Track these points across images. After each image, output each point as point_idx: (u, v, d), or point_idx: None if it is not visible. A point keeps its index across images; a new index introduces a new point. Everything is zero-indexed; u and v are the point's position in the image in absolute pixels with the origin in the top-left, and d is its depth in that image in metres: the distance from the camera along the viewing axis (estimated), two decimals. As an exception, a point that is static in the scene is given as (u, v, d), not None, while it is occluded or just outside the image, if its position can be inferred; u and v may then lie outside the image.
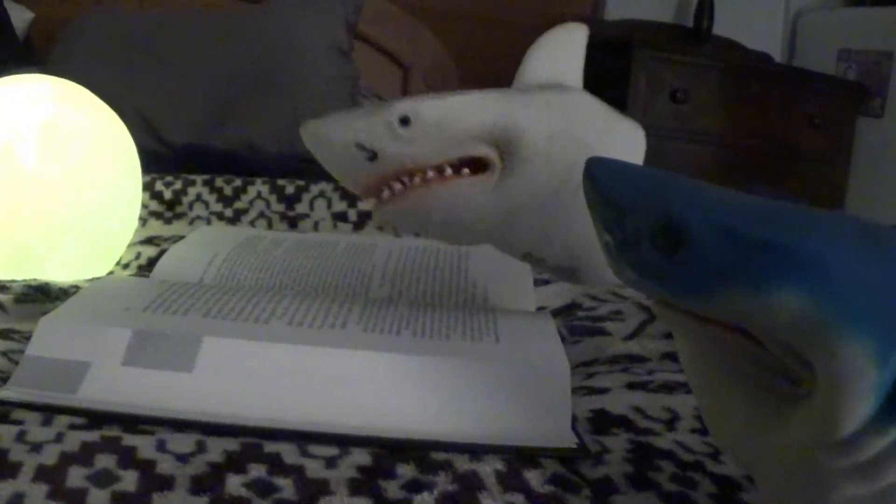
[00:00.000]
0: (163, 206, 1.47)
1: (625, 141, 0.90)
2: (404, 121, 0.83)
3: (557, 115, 0.86)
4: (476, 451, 0.65)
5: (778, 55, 3.58)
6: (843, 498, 0.44)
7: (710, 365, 0.51)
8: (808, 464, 0.45)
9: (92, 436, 0.63)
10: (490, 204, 0.85)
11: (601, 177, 0.50)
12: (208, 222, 1.44)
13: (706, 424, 0.53)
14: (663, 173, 0.50)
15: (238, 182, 1.54)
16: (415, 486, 0.60)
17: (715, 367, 0.51)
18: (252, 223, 1.45)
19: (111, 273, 1.12)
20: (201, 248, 1.11)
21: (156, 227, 1.39)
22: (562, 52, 0.98)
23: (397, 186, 0.85)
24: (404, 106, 0.84)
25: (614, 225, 0.49)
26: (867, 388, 0.41)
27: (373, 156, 0.84)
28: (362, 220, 1.46)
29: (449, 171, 0.85)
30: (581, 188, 0.82)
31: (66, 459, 0.59)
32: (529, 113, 0.86)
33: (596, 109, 0.89)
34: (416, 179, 0.85)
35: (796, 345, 0.43)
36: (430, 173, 0.85)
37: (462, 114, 0.84)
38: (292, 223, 1.46)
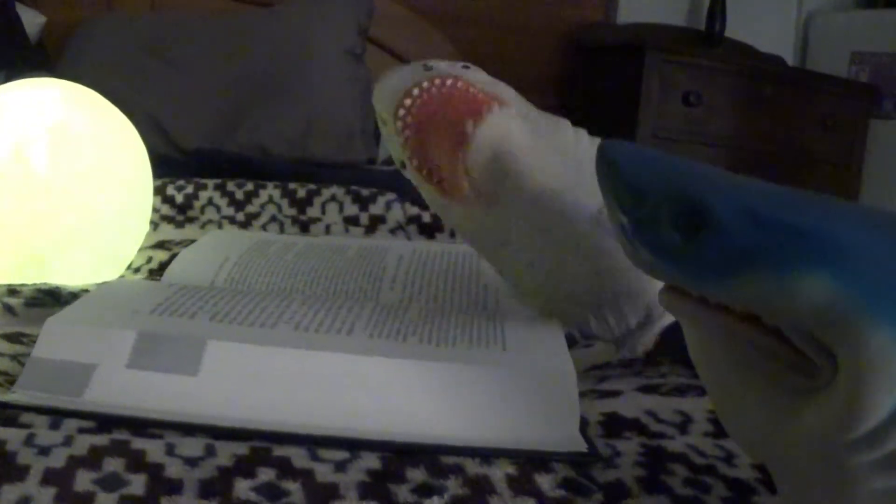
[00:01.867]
0: (174, 211, 1.48)
1: None
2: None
3: (543, 133, 0.90)
4: (486, 455, 0.65)
5: (790, 58, 3.57)
6: (867, 491, 0.43)
7: (721, 357, 0.50)
8: (829, 458, 0.44)
9: (100, 439, 0.63)
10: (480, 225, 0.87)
11: (618, 158, 0.50)
12: (220, 226, 1.44)
13: (719, 418, 0.53)
14: (680, 157, 0.49)
15: (250, 186, 1.54)
16: (425, 490, 0.59)
17: (727, 359, 0.50)
18: (263, 227, 1.45)
19: (122, 277, 1.12)
20: (212, 252, 1.11)
21: (167, 232, 1.39)
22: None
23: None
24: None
25: (631, 206, 0.48)
26: (893, 377, 0.40)
27: (429, 67, 0.91)
28: (374, 224, 1.46)
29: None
30: (580, 224, 0.83)
31: (74, 463, 0.59)
32: (518, 132, 0.89)
33: (580, 135, 0.92)
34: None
35: (819, 333, 0.42)
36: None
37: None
38: (304, 227, 1.46)
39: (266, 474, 0.60)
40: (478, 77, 0.89)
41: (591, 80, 2.98)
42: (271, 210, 1.49)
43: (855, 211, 0.44)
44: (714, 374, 0.51)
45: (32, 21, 2.28)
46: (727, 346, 0.49)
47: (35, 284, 0.98)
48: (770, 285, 0.42)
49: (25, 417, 0.65)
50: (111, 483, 0.58)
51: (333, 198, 1.51)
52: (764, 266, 0.42)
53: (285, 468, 0.61)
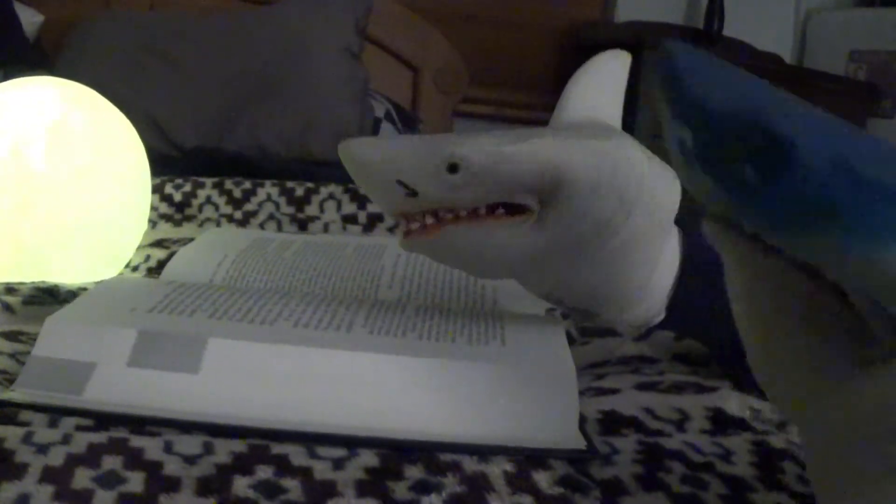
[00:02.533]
0: (172, 209, 1.48)
1: (661, 192, 0.88)
2: (452, 168, 0.80)
3: (606, 167, 0.84)
4: (484, 452, 0.65)
5: (788, 56, 3.57)
6: None
7: (768, 305, 0.46)
8: (874, 435, 0.40)
9: (99, 437, 0.63)
10: (520, 247, 0.83)
11: (688, 66, 0.44)
12: (218, 225, 1.44)
13: (752, 368, 0.49)
14: (757, 78, 0.45)
15: (247, 184, 1.54)
16: (423, 488, 0.60)
17: (775, 308, 0.45)
18: (261, 225, 1.45)
19: (120, 275, 1.12)
20: (210, 250, 1.11)
21: (165, 230, 1.39)
22: (605, 82, 0.96)
23: (429, 220, 0.83)
24: (455, 151, 0.81)
25: (698, 126, 0.43)
26: None
27: (413, 193, 0.81)
28: (372, 223, 1.46)
29: (483, 210, 0.83)
30: (612, 240, 0.81)
31: (73, 461, 0.59)
32: (581, 163, 0.83)
33: (637, 159, 0.86)
34: (449, 215, 0.83)
35: (892, 306, 0.39)
36: (464, 212, 0.83)
37: (514, 164, 0.81)
38: (302, 225, 1.46)
39: (264, 472, 0.60)
40: (472, 186, 0.82)
41: (589, 79, 2.97)
42: (269, 208, 1.49)
43: None
44: (756, 321, 0.47)
45: (30, 20, 2.28)
46: (778, 294, 0.45)
47: (33, 283, 0.98)
48: (852, 248, 0.38)
49: (24, 415, 0.66)
50: (109, 481, 0.58)
51: (331, 196, 1.51)
52: (850, 226, 0.38)
53: (283, 466, 0.61)
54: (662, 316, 0.93)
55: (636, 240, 0.85)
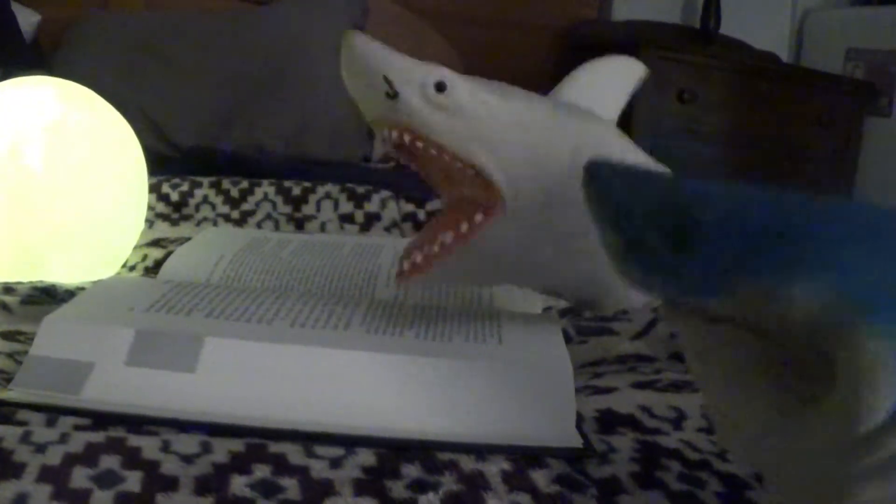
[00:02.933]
0: (169, 209, 1.48)
1: None
2: (439, 86, 0.80)
3: (586, 149, 0.80)
4: (481, 451, 0.65)
5: (785, 55, 3.57)
6: (863, 501, 0.42)
7: (721, 367, 0.49)
8: (828, 465, 0.43)
9: (96, 437, 0.63)
10: (505, 248, 0.83)
11: (604, 177, 0.49)
12: (215, 224, 1.44)
13: (716, 428, 0.52)
14: (666, 172, 0.49)
15: (245, 184, 1.54)
16: (420, 486, 0.60)
17: (727, 368, 0.49)
18: (259, 225, 1.45)
19: (117, 275, 1.12)
20: (207, 249, 1.11)
21: (162, 229, 1.39)
22: (611, 83, 0.96)
23: (417, 258, 0.81)
24: (445, 74, 0.81)
25: (620, 224, 0.48)
26: (889, 383, 0.39)
27: (394, 95, 0.80)
28: (369, 222, 1.46)
29: (465, 226, 0.81)
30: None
31: (71, 460, 0.59)
32: (558, 137, 0.82)
33: (616, 148, 0.86)
34: (436, 248, 0.81)
35: (815, 340, 0.42)
36: (449, 238, 0.81)
37: (495, 112, 0.81)
38: (299, 225, 1.46)
39: (262, 471, 0.60)
40: (447, 116, 0.81)
41: (585, 78, 2.97)
42: (266, 208, 1.49)
43: (845, 212, 0.43)
44: (713, 381, 0.51)
45: (27, 19, 2.28)
46: (727, 354, 0.49)
47: (31, 282, 0.98)
48: (762, 294, 0.42)
49: (22, 415, 0.66)
50: (107, 480, 0.58)
51: (328, 195, 1.51)
52: (754, 275, 0.42)
53: (281, 464, 0.61)
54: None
55: None
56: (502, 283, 0.92)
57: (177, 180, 1.53)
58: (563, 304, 1.02)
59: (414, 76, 0.80)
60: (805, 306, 0.41)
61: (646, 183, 0.48)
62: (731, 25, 3.28)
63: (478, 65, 2.67)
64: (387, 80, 0.80)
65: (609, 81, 0.96)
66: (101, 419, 0.66)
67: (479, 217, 0.81)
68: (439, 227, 0.82)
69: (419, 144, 0.81)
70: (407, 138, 0.81)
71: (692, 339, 0.51)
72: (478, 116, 0.81)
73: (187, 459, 0.61)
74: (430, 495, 0.59)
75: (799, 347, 0.43)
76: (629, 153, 0.86)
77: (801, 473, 0.46)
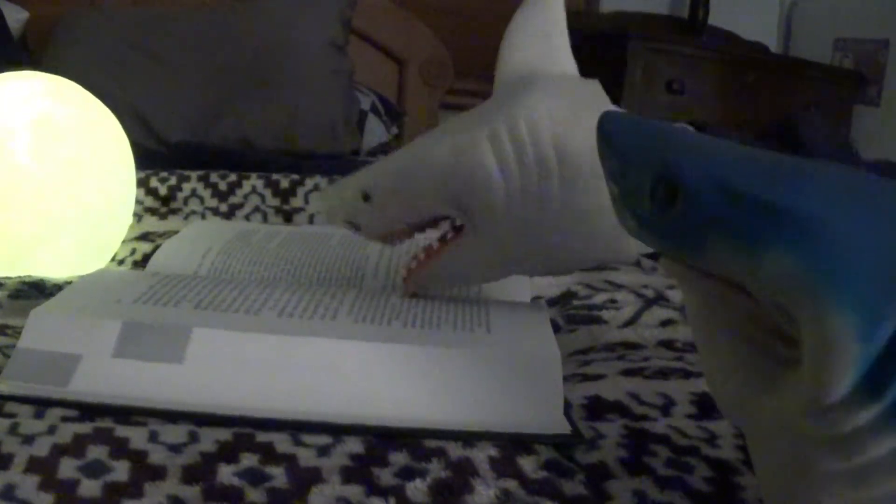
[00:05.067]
0: (158, 202, 1.47)
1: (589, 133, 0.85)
2: (366, 197, 0.85)
3: (506, 146, 0.81)
4: (469, 438, 0.65)
5: (774, 45, 3.58)
6: (822, 472, 0.43)
7: (713, 322, 0.51)
8: (795, 432, 0.44)
9: (84, 428, 0.63)
10: (480, 254, 0.84)
11: (610, 129, 0.51)
12: (203, 217, 1.44)
13: (706, 381, 0.53)
14: (669, 126, 0.50)
15: (233, 177, 1.54)
16: (408, 474, 0.60)
17: (718, 324, 0.50)
18: (247, 218, 1.45)
19: (105, 268, 1.12)
20: (195, 242, 1.11)
21: (151, 223, 1.38)
22: (537, 32, 0.94)
23: (413, 264, 0.87)
24: (362, 183, 0.85)
25: (618, 176, 0.50)
26: (851, 358, 0.39)
27: (357, 228, 0.87)
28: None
29: (436, 244, 0.86)
30: (553, 204, 0.81)
31: (58, 451, 0.59)
32: (475, 155, 0.82)
33: (548, 117, 0.82)
34: (414, 263, 0.87)
35: (786, 306, 0.42)
36: (421, 256, 0.87)
37: (411, 181, 0.84)
38: (287, 217, 1.46)
39: (249, 459, 0.60)
40: (388, 209, 0.86)
41: (574, 69, 2.97)
42: (255, 200, 1.49)
43: (831, 179, 0.44)
44: (705, 335, 0.52)
45: (15, 17, 2.28)
46: (720, 310, 0.50)
47: (19, 277, 0.98)
48: (738, 256, 0.43)
49: (10, 407, 0.66)
50: (95, 470, 0.58)
51: (317, 187, 1.51)
52: (731, 237, 0.43)
53: (269, 453, 0.61)
54: None
55: (584, 193, 0.81)
56: (507, 276, 0.92)
57: (165, 174, 1.53)
58: (553, 293, 1.02)
59: (348, 205, 0.87)
60: (776, 273, 0.41)
61: (645, 136, 0.49)
62: (720, 16, 3.29)
63: (466, 57, 2.68)
64: (347, 223, 0.88)
65: (542, 30, 0.95)
66: (88, 410, 0.66)
67: (450, 234, 0.86)
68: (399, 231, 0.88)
69: (412, 266, 0.87)
70: (413, 265, 0.87)
71: (686, 293, 0.53)
72: (404, 191, 0.85)
73: (175, 449, 0.61)
74: (418, 482, 0.59)
75: (775, 310, 0.44)
76: (566, 110, 0.84)
77: (773, 438, 0.46)
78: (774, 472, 0.47)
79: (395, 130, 2.50)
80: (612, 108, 0.85)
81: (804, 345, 0.42)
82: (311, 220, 1.45)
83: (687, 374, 0.78)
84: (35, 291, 0.94)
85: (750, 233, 0.42)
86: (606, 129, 0.51)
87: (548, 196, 0.81)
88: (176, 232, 1.20)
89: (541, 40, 0.93)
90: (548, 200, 0.81)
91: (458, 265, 0.85)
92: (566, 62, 0.93)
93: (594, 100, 0.87)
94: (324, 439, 0.64)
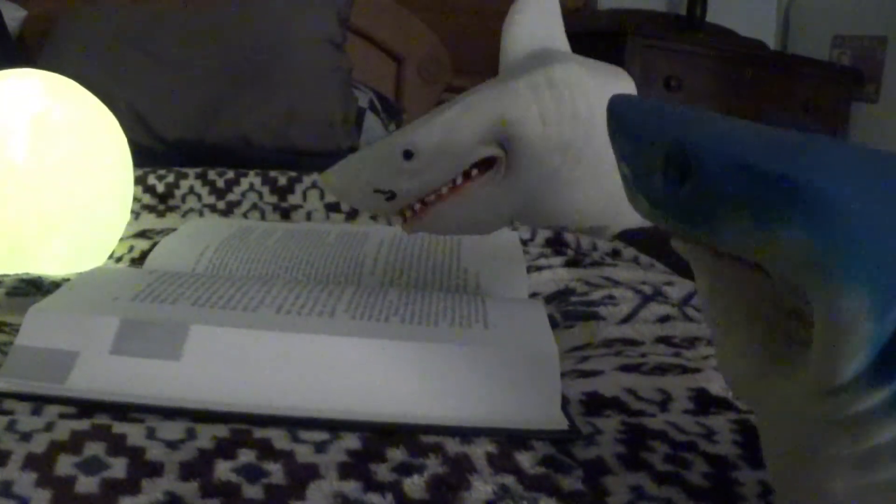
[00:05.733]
0: (155, 200, 1.47)
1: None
2: (407, 155, 0.84)
3: (545, 95, 0.87)
4: (467, 434, 0.65)
5: (772, 42, 3.57)
6: (829, 455, 0.43)
7: (725, 301, 0.50)
8: (803, 414, 0.44)
9: (82, 424, 0.63)
10: (503, 195, 0.86)
11: (620, 110, 0.51)
12: (201, 215, 1.44)
13: (718, 361, 0.53)
14: (680, 106, 0.50)
15: (230, 174, 1.54)
16: (405, 469, 0.60)
17: (730, 303, 0.50)
18: (245, 215, 1.45)
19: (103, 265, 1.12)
20: (193, 239, 1.11)
21: (149, 221, 1.38)
22: (538, 17, 0.97)
23: (417, 206, 0.88)
24: (403, 141, 0.85)
25: (630, 155, 0.50)
26: (862, 339, 0.39)
27: (391, 195, 0.86)
28: (355, 210, 1.46)
29: (459, 179, 0.87)
30: (581, 160, 0.83)
31: (56, 448, 0.59)
32: (519, 101, 0.87)
33: (580, 75, 0.89)
34: (432, 196, 0.87)
35: (799, 284, 0.42)
36: (444, 189, 0.87)
37: (457, 129, 0.85)
38: (285, 214, 1.46)
39: (246, 455, 0.60)
40: (433, 165, 0.87)
41: (572, 67, 2.97)
42: (252, 198, 1.49)
43: (847, 158, 0.43)
44: (718, 314, 0.51)
45: (13, 15, 2.28)
46: (732, 289, 0.49)
47: (17, 274, 0.98)
48: (752, 234, 0.42)
49: (7, 404, 0.66)
50: (92, 467, 0.58)
51: (314, 184, 1.51)
52: (745, 214, 0.42)
53: (266, 449, 0.61)
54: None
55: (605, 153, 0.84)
56: (504, 225, 0.94)
57: (162, 171, 1.53)
58: (550, 289, 1.02)
59: (386, 169, 0.86)
60: (790, 250, 0.41)
61: (656, 115, 0.49)
62: (718, 13, 3.28)
63: (464, 54, 2.67)
64: (378, 191, 0.86)
65: (539, 16, 0.97)
66: (86, 407, 0.66)
67: (474, 172, 0.87)
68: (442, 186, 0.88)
69: (428, 201, 0.88)
70: (417, 207, 0.88)
71: (699, 273, 0.52)
72: (449, 141, 0.86)
73: (172, 445, 0.61)
74: (415, 478, 0.59)
75: (789, 290, 0.44)
76: (587, 77, 0.90)
77: (783, 419, 0.46)
78: (782, 455, 0.47)
79: (393, 128, 2.50)
80: (634, 90, 0.89)
81: (816, 324, 0.41)
82: (308, 217, 1.45)
83: (685, 370, 0.78)
84: (33, 289, 0.94)
85: (764, 210, 0.41)
86: (618, 111, 0.51)
87: (576, 149, 0.86)
88: (174, 229, 1.20)
89: (544, 23, 0.97)
90: (576, 152, 0.86)
91: (476, 203, 0.87)
92: (556, 38, 0.98)
93: (618, 79, 0.94)
94: (321, 435, 0.64)
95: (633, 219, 0.96)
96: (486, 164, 0.88)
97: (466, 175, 0.87)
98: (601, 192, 0.89)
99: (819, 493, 0.44)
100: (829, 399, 0.42)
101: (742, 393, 0.51)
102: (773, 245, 0.41)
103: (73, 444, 0.60)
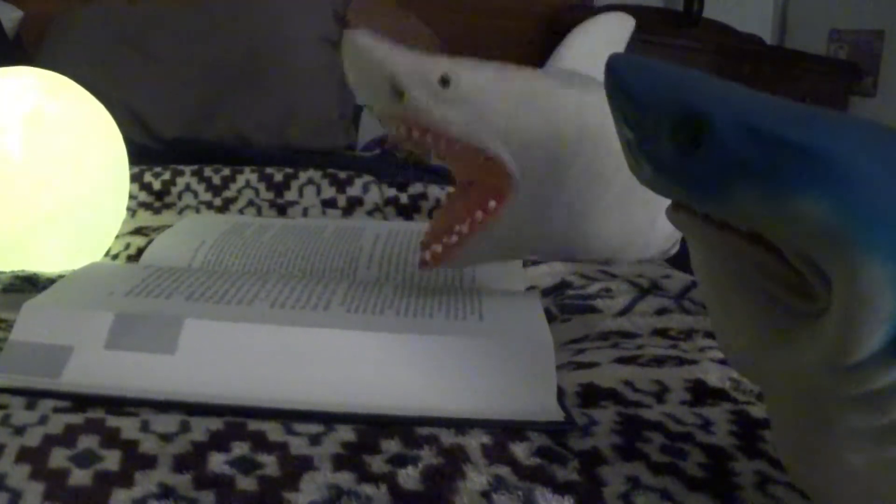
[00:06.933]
0: (152, 197, 1.47)
1: None
2: (444, 80, 0.81)
3: (590, 119, 0.86)
4: (462, 425, 0.65)
5: (769, 37, 3.58)
6: (846, 429, 0.42)
7: (723, 275, 0.49)
8: (815, 388, 0.43)
9: (76, 418, 0.63)
10: (524, 224, 0.85)
11: (622, 71, 0.48)
12: (197, 212, 1.44)
13: (716, 338, 0.52)
14: (686, 69, 0.48)
15: (227, 171, 1.53)
16: (399, 461, 0.60)
17: (729, 277, 0.48)
18: (241, 211, 1.44)
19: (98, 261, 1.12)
20: (189, 235, 1.11)
21: (145, 218, 1.38)
22: (604, 40, 0.97)
23: (436, 249, 0.84)
24: (449, 67, 0.82)
25: (634, 119, 0.47)
26: (884, 313, 0.38)
27: (400, 96, 0.81)
28: (351, 206, 1.46)
29: (479, 214, 0.84)
30: (607, 193, 0.82)
31: (50, 441, 0.59)
32: (563, 108, 0.85)
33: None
34: (454, 237, 0.84)
35: (815, 256, 0.40)
36: (464, 229, 0.84)
37: (498, 95, 0.83)
38: (281, 210, 1.45)
39: (240, 448, 0.60)
40: (456, 108, 0.82)
41: (569, 63, 2.97)
42: (248, 194, 1.49)
43: (864, 129, 0.41)
44: (715, 290, 0.50)
45: (9, 16, 2.28)
46: (730, 263, 0.48)
47: (13, 271, 0.98)
48: (767, 203, 0.40)
49: (2, 399, 0.66)
50: (85, 459, 0.58)
51: (310, 181, 1.51)
52: (760, 182, 0.40)
53: (260, 442, 0.61)
54: (677, 248, 0.95)
55: (632, 186, 0.84)
56: (521, 258, 0.93)
57: (158, 169, 1.53)
58: (547, 282, 1.02)
59: (419, 74, 0.82)
60: (808, 220, 0.39)
61: (662, 78, 0.47)
62: (715, 8, 3.29)
63: (461, 52, 2.67)
64: (393, 81, 0.81)
65: (602, 39, 0.97)
66: (81, 401, 0.66)
67: (492, 204, 0.83)
68: (454, 215, 0.85)
69: (429, 139, 0.82)
70: (416, 134, 0.82)
71: (694, 246, 0.51)
72: (483, 103, 0.82)
73: (166, 438, 0.61)
74: (410, 469, 0.59)
75: (800, 262, 0.42)
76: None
77: (791, 394, 0.46)
78: (791, 428, 0.46)
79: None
80: None
81: (834, 298, 0.40)
82: (305, 213, 1.45)
83: (681, 362, 0.78)
84: (29, 285, 0.94)
85: (780, 177, 0.40)
86: (618, 73, 0.49)
87: (606, 178, 0.86)
88: (170, 226, 1.20)
89: (593, 48, 0.99)
90: (605, 184, 0.86)
91: (495, 238, 0.85)
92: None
93: None
94: (315, 427, 0.64)
95: (656, 248, 0.96)
96: (494, 192, 0.85)
97: (484, 209, 0.85)
98: (630, 223, 0.89)
99: (839, 468, 0.44)
100: (846, 374, 0.41)
101: (742, 369, 0.50)
102: (789, 214, 0.39)
103: (67, 437, 0.60)
